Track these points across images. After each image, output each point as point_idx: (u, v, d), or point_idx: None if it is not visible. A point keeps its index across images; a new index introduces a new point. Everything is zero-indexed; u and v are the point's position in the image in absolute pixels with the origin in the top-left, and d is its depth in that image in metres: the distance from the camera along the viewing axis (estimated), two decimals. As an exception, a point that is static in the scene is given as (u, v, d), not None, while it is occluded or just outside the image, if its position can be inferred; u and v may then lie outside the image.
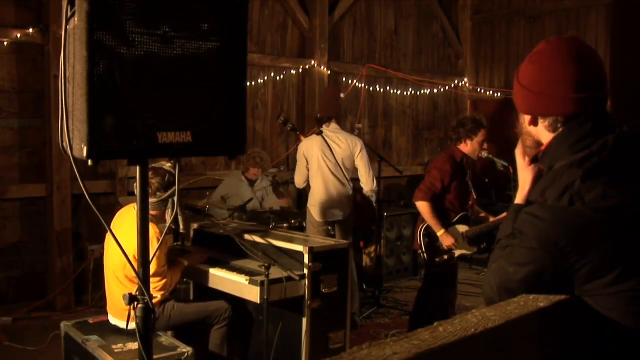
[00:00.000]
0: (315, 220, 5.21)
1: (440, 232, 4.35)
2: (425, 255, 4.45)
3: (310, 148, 5.22)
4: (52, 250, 5.63)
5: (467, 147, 4.41)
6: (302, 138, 5.41)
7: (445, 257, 4.41)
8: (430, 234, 4.43)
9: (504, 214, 4.32)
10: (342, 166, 5.11)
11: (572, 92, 1.52)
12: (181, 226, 3.58)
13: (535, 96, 1.57)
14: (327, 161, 5.14)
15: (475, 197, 4.69)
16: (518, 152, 1.78)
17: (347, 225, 5.28)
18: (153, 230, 3.18)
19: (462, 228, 4.47)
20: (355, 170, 5.26)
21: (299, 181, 5.38)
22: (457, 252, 4.43)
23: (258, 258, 3.51)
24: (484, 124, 4.41)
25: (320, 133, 5.10)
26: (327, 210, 5.19)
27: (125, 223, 3.43)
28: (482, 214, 4.68)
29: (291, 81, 7.40)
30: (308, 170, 5.26)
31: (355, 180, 5.32)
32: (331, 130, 5.17)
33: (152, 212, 3.49)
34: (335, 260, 3.63)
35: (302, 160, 5.27)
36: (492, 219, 4.55)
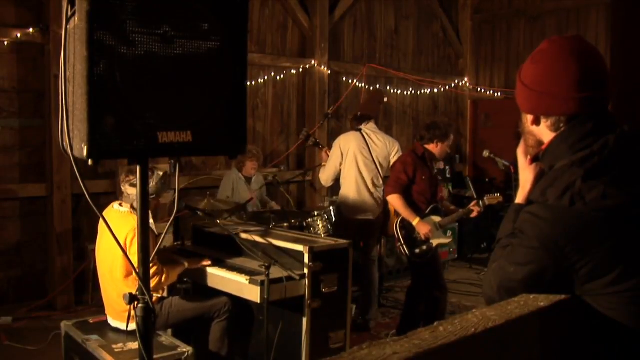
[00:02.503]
0: (345, 217, 5.20)
1: (415, 221, 4.44)
2: (404, 248, 4.52)
3: (347, 142, 5.22)
4: (52, 249, 5.63)
5: (436, 149, 4.60)
6: (324, 151, 5.48)
7: (424, 247, 4.47)
8: (405, 226, 4.51)
9: (473, 202, 4.64)
10: (377, 164, 5.18)
11: (575, 91, 1.51)
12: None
13: (538, 95, 1.57)
14: (363, 157, 5.16)
15: (450, 191, 4.83)
16: (520, 152, 1.77)
17: (375, 226, 5.22)
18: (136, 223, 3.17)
19: (435, 218, 4.57)
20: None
21: (328, 177, 5.33)
22: (435, 242, 4.51)
23: (258, 258, 3.51)
24: (452, 131, 4.68)
25: (359, 130, 5.18)
26: (358, 207, 5.16)
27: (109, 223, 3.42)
28: (452, 207, 4.87)
29: (291, 81, 7.40)
30: (340, 167, 5.24)
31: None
32: (369, 129, 5.25)
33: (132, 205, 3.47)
34: (336, 260, 3.63)
35: (338, 153, 5.23)
36: (461, 210, 4.71)
